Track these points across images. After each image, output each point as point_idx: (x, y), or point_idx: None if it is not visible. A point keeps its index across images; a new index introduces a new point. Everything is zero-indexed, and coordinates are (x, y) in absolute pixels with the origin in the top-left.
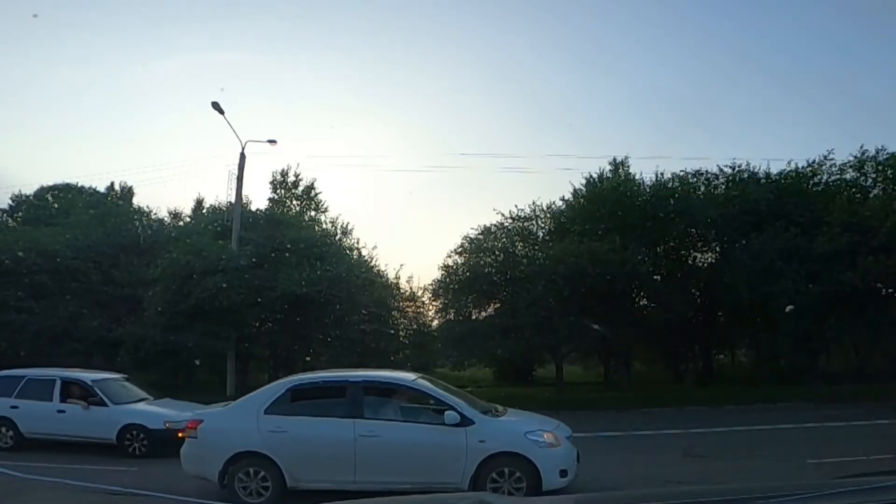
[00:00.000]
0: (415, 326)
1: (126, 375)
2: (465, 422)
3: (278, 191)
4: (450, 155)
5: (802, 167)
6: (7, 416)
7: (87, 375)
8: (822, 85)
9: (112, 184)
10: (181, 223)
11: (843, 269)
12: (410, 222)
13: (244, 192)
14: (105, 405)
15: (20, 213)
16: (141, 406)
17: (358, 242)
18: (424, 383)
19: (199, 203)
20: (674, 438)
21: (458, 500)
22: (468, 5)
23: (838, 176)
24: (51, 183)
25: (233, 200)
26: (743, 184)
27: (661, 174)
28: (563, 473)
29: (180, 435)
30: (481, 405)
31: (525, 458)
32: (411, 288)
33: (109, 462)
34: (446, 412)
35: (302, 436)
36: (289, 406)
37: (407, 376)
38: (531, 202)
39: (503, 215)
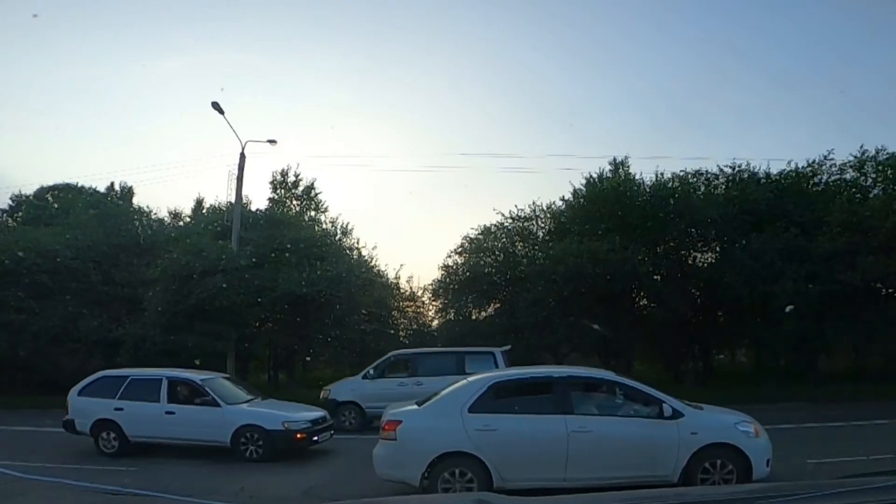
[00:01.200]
0: (415, 326)
1: (227, 375)
2: (676, 414)
3: (278, 191)
4: (450, 155)
5: (802, 167)
6: (111, 419)
7: (195, 375)
8: (822, 85)
9: (112, 184)
10: (181, 223)
11: (842, 269)
12: (410, 222)
13: (244, 192)
14: (217, 405)
15: (20, 213)
16: (254, 406)
17: (358, 242)
18: (627, 378)
19: (199, 203)
20: None
21: (457, 500)
22: (468, 5)
23: (838, 176)
24: (51, 183)
25: (233, 200)
26: (743, 184)
27: (661, 174)
28: (768, 463)
29: (383, 435)
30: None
31: (737, 448)
32: (411, 288)
33: (109, 462)
34: (662, 405)
35: (513, 434)
36: (493, 403)
37: (607, 372)
38: (531, 202)
39: (503, 215)
